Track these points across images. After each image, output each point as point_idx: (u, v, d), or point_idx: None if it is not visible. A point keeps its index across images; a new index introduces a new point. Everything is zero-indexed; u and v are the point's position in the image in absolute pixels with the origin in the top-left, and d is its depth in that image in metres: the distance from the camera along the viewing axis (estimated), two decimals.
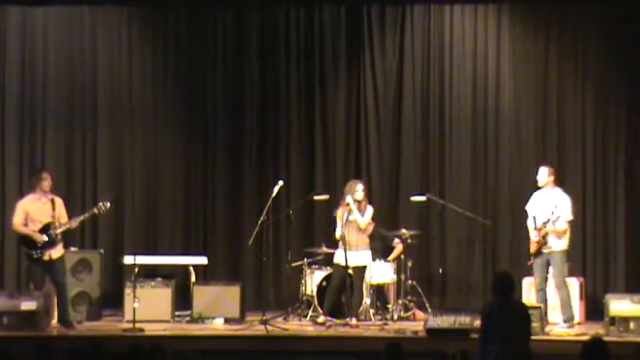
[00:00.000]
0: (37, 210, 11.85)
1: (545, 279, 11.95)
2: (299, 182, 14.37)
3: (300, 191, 14.16)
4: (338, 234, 12.18)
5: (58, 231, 11.84)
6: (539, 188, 12.17)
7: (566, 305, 11.83)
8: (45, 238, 11.73)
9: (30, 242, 11.75)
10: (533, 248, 11.94)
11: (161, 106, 14.52)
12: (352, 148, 14.47)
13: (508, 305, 8.58)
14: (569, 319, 11.74)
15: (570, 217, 11.96)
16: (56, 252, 11.87)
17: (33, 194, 11.97)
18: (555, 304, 12.17)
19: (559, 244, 11.85)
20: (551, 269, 11.94)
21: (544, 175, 12.12)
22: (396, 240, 13.28)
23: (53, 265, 11.84)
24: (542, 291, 11.93)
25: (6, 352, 7.30)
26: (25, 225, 11.82)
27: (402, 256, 13.09)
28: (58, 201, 12.02)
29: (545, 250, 11.86)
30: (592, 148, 14.07)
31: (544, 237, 11.82)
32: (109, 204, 12.21)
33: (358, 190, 12.26)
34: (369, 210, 12.35)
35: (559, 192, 12.05)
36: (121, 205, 14.19)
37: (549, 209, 11.85)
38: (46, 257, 11.74)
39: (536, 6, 14.20)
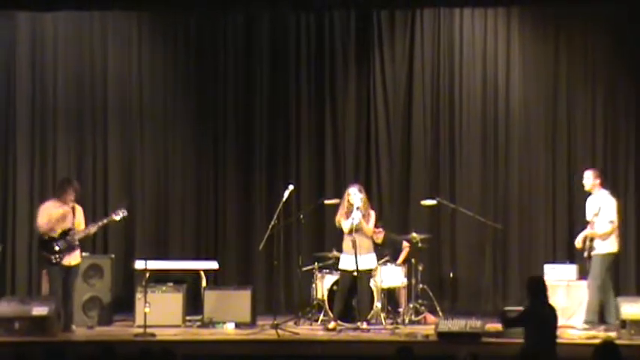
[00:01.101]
0: (58, 215, 11.88)
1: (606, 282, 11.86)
2: (309, 186, 14.38)
3: (311, 195, 14.18)
4: (347, 227, 12.13)
5: (77, 237, 11.89)
6: (591, 194, 12.14)
7: (590, 308, 11.73)
8: (59, 246, 11.78)
9: (49, 247, 11.79)
10: (585, 255, 11.90)
11: (171, 111, 14.54)
12: (362, 153, 14.47)
13: (543, 307, 9.24)
14: (588, 323, 11.65)
15: (612, 218, 11.82)
16: (75, 258, 11.93)
17: (54, 201, 12.01)
18: (567, 305, 12.19)
19: (601, 247, 11.73)
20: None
21: (589, 178, 12.04)
22: (404, 243, 13.28)
23: (70, 270, 11.90)
24: (604, 294, 11.85)
25: (19, 358, 7.32)
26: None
27: (413, 260, 13.05)
28: (79, 209, 12.07)
29: (592, 253, 11.80)
30: (602, 149, 14.04)
31: (591, 240, 11.75)
32: (126, 211, 12.26)
33: (356, 195, 12.24)
34: (372, 216, 12.34)
35: (605, 194, 11.94)
36: (132, 210, 14.16)
37: (593, 212, 11.79)
38: (65, 262, 11.80)
39: (545, 9, 14.16)
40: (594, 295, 11.77)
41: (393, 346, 9.01)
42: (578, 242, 11.97)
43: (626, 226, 13.89)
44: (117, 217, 12.21)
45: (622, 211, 12.51)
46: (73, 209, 11.99)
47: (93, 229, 12.13)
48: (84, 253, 12.92)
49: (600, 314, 11.93)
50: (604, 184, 12.13)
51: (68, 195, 11.98)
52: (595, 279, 11.75)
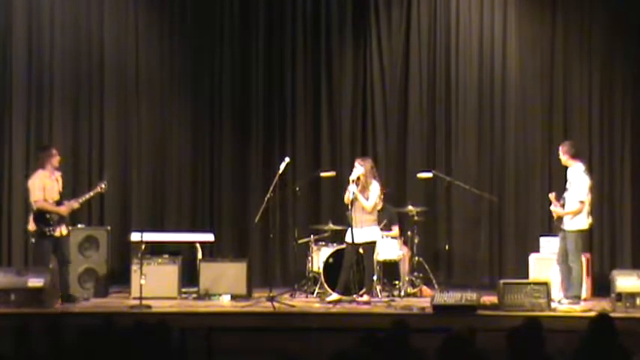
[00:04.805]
0: (50, 187, 11.84)
1: (563, 254, 11.79)
2: (305, 159, 14.38)
3: (307, 168, 14.17)
4: (345, 200, 12.06)
5: (65, 209, 11.88)
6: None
7: (573, 282, 11.69)
8: (76, 205, 11.77)
9: (44, 219, 11.75)
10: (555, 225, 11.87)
11: (167, 84, 14.51)
12: (359, 125, 14.47)
13: None
14: (572, 297, 11.59)
15: (582, 198, 11.65)
16: (65, 228, 11.92)
17: (43, 171, 11.93)
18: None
19: (571, 223, 11.65)
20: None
21: (560, 153, 11.91)
22: (395, 226, 13.22)
23: (62, 240, 11.88)
24: (560, 264, 11.84)
25: (20, 329, 7.29)
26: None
27: (409, 233, 13.08)
28: (59, 177, 12.03)
29: (562, 226, 11.76)
30: (598, 122, 14.06)
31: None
32: (105, 182, 12.22)
33: (355, 169, 12.15)
34: (374, 191, 12.13)
35: (577, 169, 11.73)
36: (128, 182, 14.22)
37: (567, 186, 11.71)
38: (57, 233, 11.79)
39: None
40: (574, 269, 11.64)
41: (388, 319, 8.99)
42: (554, 212, 11.86)
43: (622, 199, 13.94)
44: (100, 190, 12.13)
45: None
46: (57, 179, 11.95)
47: (76, 204, 11.99)
48: (80, 225, 13.01)
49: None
50: (577, 157, 11.91)
51: (54, 158, 11.88)
52: (572, 254, 11.64)
